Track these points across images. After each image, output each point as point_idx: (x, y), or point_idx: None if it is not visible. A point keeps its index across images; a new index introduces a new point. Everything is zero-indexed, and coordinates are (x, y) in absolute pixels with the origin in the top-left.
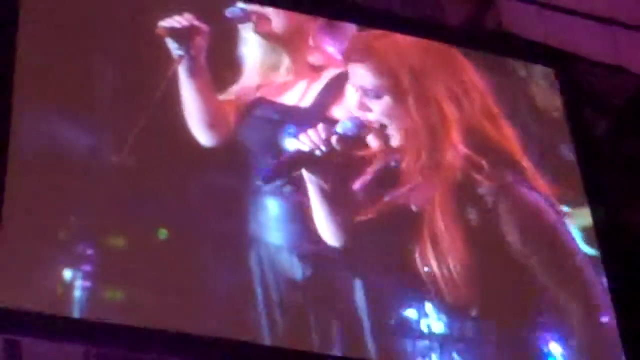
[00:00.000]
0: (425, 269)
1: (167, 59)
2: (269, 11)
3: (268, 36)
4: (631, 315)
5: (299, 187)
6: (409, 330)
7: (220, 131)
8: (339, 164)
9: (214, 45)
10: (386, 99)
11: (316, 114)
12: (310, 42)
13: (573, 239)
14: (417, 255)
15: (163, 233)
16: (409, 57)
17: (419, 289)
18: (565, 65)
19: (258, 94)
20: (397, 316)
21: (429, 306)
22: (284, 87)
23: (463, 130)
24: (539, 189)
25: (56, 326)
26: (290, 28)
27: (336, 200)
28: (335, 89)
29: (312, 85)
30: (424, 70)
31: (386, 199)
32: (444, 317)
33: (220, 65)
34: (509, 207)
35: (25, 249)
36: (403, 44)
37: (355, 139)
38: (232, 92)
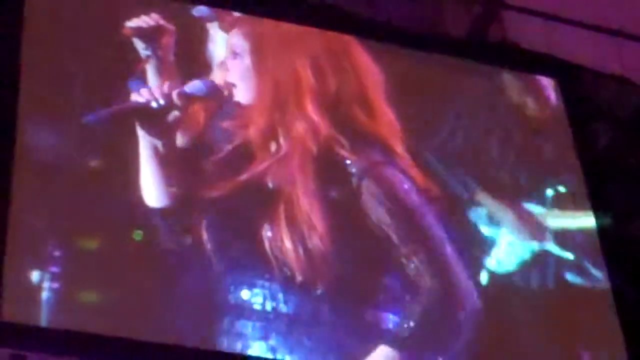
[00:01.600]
0: (276, 247)
1: (135, 59)
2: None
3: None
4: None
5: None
6: (247, 311)
7: (190, 130)
8: (178, 123)
9: (182, 44)
10: (246, 61)
11: None
12: None
13: (437, 225)
14: (267, 233)
15: (139, 234)
16: (288, 31)
17: (265, 268)
18: (569, 76)
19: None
20: (234, 297)
21: (273, 286)
22: None
23: (322, 104)
24: (408, 174)
25: (63, 340)
26: None
27: (166, 160)
28: None
29: None
30: (297, 42)
31: (242, 177)
32: (288, 297)
33: (189, 64)
34: (373, 184)
35: None
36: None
37: (200, 99)
38: None
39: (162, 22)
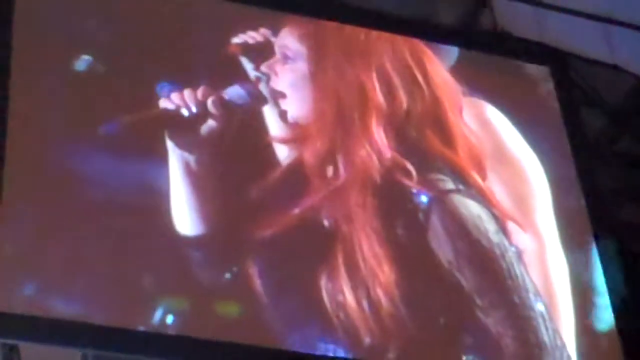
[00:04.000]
0: (337, 302)
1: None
2: None
3: None
4: (631, 318)
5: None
6: None
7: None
8: (214, 135)
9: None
10: (300, 67)
11: None
12: None
13: (521, 270)
14: (326, 283)
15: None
16: (352, 35)
17: (327, 328)
18: (560, 63)
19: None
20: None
21: (338, 351)
22: None
23: (389, 125)
24: (487, 207)
25: (53, 329)
26: None
27: (200, 179)
28: None
29: None
30: (362, 48)
31: (295, 210)
32: None
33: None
34: (442, 217)
35: None
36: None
37: (240, 108)
38: None
39: (272, 38)
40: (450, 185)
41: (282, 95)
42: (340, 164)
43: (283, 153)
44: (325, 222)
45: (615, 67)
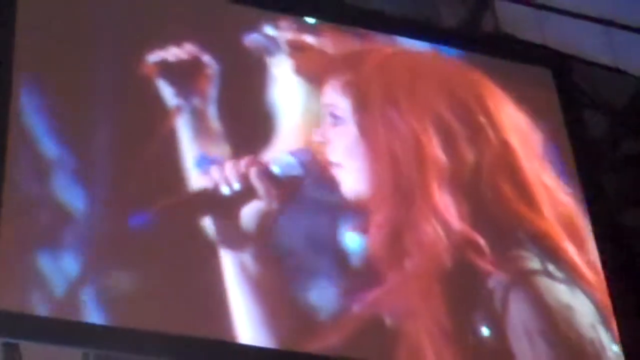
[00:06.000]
0: None
1: (160, 110)
2: (307, 37)
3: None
4: (631, 316)
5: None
6: None
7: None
8: (264, 220)
9: (227, 91)
10: (351, 128)
11: None
12: None
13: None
14: None
15: None
16: (392, 71)
17: None
18: (562, 66)
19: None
20: None
21: None
22: None
23: (455, 187)
24: (583, 289)
25: (55, 329)
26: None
27: (257, 278)
28: None
29: None
30: (409, 88)
31: (354, 308)
32: None
33: (240, 120)
34: (525, 311)
35: None
36: (399, 57)
37: (292, 182)
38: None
39: (200, 56)
40: (534, 264)
41: (338, 166)
42: (408, 246)
43: (344, 237)
44: (387, 320)
45: (617, 70)
